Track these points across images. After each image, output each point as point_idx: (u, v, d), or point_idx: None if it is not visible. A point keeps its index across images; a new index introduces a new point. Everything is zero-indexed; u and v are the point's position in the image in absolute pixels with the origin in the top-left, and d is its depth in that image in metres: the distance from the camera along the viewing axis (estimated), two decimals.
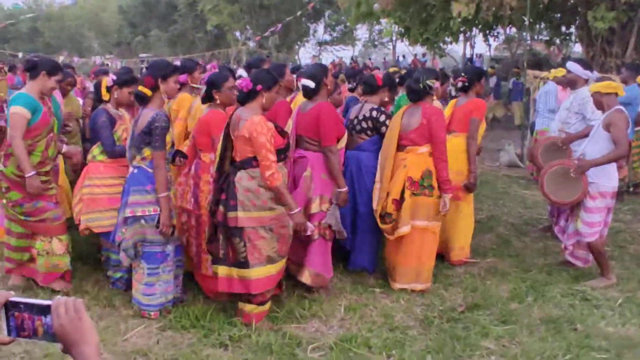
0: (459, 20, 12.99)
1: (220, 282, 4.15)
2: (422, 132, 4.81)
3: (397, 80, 6.18)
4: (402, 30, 18.36)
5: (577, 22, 14.38)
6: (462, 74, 5.61)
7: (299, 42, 39.66)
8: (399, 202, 4.82)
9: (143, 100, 4.15)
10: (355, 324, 4.31)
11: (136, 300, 4.36)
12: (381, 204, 4.88)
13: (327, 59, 41.73)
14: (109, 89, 4.80)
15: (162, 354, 3.86)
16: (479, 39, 22.70)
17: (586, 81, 5.97)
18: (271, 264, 4.06)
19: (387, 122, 5.04)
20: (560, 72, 8.90)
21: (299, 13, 26.75)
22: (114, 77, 4.79)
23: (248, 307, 4.18)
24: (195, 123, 4.84)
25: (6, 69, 17.97)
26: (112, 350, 3.88)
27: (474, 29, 17.53)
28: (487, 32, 18.36)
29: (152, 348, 3.93)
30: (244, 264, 4.03)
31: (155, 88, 4.11)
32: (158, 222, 4.15)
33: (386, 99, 5.29)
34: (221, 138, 4.17)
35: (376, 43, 41.55)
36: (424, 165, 4.82)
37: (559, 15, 15.32)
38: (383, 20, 19.38)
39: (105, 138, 4.69)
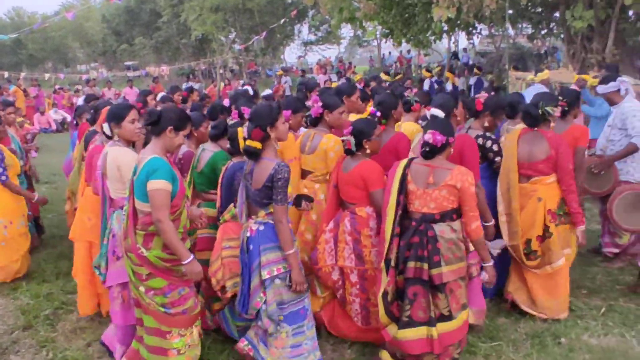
0: (441, 22, 13.12)
1: (418, 345, 3.80)
2: (551, 163, 4.66)
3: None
4: (386, 31, 18.52)
5: (557, 19, 14.57)
6: (560, 98, 5.10)
7: (283, 43, 39.71)
8: (543, 238, 4.70)
9: (254, 155, 3.78)
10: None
11: None
12: (518, 239, 4.74)
13: (312, 58, 41.92)
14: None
15: None
16: (463, 35, 22.83)
17: (619, 92, 5.70)
18: (464, 310, 3.89)
19: (494, 147, 4.84)
20: (545, 74, 8.91)
21: (282, 21, 26.76)
22: None
23: None
24: (329, 168, 4.60)
25: None
26: None
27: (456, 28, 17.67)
28: (470, 29, 18.53)
29: None
30: (448, 317, 3.81)
31: (265, 138, 3.76)
32: (290, 280, 3.79)
33: (486, 124, 4.96)
34: (394, 190, 3.91)
35: (361, 42, 41.67)
36: (558, 195, 4.70)
37: (540, 10, 15.52)
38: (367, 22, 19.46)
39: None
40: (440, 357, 3.86)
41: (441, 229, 3.77)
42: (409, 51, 33.26)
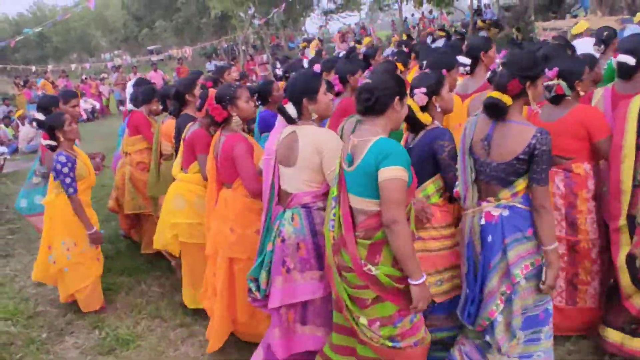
0: None
1: None
2: None
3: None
4: None
5: None
6: None
7: (304, 14, 39.43)
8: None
9: (500, 113, 2.89)
10: None
11: None
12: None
13: (334, 27, 41.52)
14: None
15: None
16: None
17: None
18: None
19: None
20: (583, 26, 8.04)
21: None
22: None
23: None
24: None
25: (22, 83, 18.37)
26: None
27: None
28: None
29: None
30: None
31: (521, 93, 2.88)
32: (542, 278, 2.90)
33: None
34: (631, 129, 3.21)
35: (382, 6, 41.15)
36: None
37: None
38: None
39: (451, 177, 3.26)
40: None
41: None
42: (430, 12, 32.68)
